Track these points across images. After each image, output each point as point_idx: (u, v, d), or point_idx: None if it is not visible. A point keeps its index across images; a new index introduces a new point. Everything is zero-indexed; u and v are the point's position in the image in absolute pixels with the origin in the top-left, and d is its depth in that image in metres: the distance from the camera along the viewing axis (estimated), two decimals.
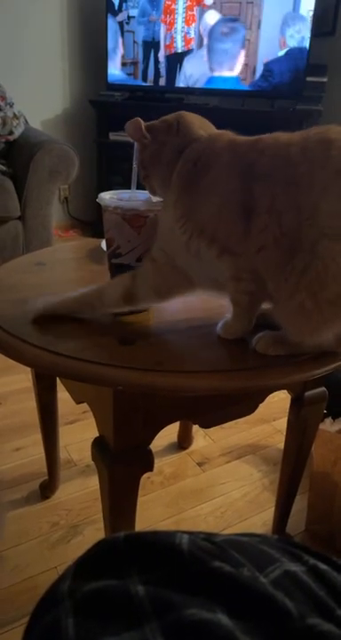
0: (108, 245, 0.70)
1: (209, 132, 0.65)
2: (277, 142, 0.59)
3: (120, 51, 2.87)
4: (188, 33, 2.72)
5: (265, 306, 0.65)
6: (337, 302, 0.55)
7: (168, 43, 2.77)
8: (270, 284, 0.60)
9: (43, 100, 2.94)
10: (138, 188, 0.71)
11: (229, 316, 0.66)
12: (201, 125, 0.66)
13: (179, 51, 2.76)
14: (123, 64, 2.89)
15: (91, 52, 3.02)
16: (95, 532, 1.08)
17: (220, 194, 0.60)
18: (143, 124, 0.66)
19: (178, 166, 0.63)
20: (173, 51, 2.78)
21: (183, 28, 2.71)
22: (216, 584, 0.35)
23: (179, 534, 0.38)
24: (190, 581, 0.35)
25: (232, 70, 2.71)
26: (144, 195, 0.71)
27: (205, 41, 2.69)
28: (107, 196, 0.69)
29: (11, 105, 2.25)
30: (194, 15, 2.67)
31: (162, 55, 2.81)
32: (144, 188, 0.71)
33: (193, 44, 2.73)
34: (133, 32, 2.82)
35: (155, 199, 0.69)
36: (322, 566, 0.40)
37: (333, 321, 0.57)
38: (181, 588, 0.34)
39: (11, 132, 2.18)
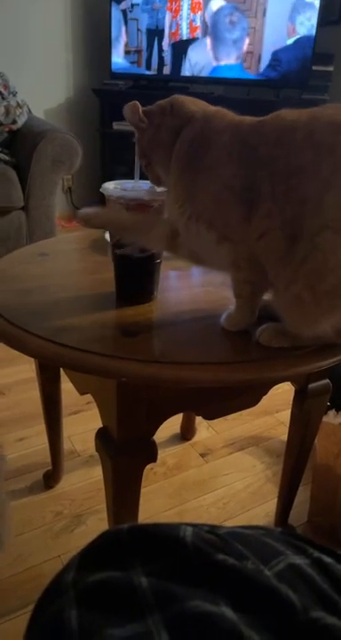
0: (112, 235, 0.69)
1: (203, 109, 0.65)
2: (282, 124, 0.56)
3: (123, 39, 2.84)
4: (194, 20, 2.68)
5: (268, 297, 0.65)
6: (334, 294, 0.55)
7: (173, 31, 2.74)
8: (270, 273, 0.59)
9: (46, 89, 2.92)
10: (141, 179, 0.71)
11: (232, 307, 0.66)
12: (194, 103, 0.66)
13: (184, 38, 2.73)
14: (127, 52, 2.86)
15: (95, 41, 2.99)
16: (98, 522, 1.09)
17: (219, 178, 0.59)
18: (140, 107, 0.66)
19: (175, 148, 0.63)
20: (178, 38, 2.75)
21: (189, 15, 2.68)
22: (219, 576, 0.35)
23: (183, 526, 0.38)
24: (193, 573, 0.35)
25: (236, 59, 2.68)
26: (147, 185, 0.70)
27: (209, 29, 2.66)
28: (110, 186, 0.68)
29: (15, 94, 2.23)
30: (200, 3, 2.64)
31: (166, 43, 2.78)
32: (147, 178, 0.70)
33: (198, 32, 2.69)
34: (137, 20, 2.79)
35: (159, 189, 0.69)
36: (326, 559, 0.40)
37: (330, 312, 0.57)
38: (184, 580, 0.34)
39: (14, 122, 2.17)
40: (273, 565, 0.37)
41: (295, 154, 0.54)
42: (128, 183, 0.71)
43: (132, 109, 0.66)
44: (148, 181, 0.70)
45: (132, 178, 0.72)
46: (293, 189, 0.54)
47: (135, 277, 0.72)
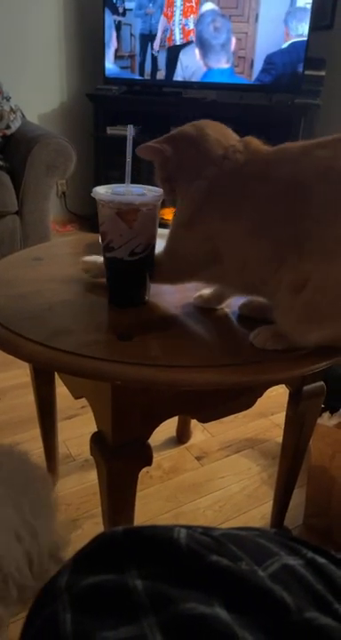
0: (102, 239, 0.70)
1: (230, 152, 0.63)
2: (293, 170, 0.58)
3: (116, 44, 2.85)
4: (186, 25, 2.70)
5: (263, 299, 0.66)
6: (332, 313, 0.57)
7: (167, 35, 2.75)
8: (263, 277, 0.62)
9: (40, 93, 2.92)
10: (132, 182, 0.71)
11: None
12: (220, 137, 0.65)
13: (178, 43, 2.75)
14: (121, 57, 2.87)
15: (89, 46, 3.01)
16: (94, 527, 1.08)
17: (248, 222, 0.61)
18: (153, 142, 0.67)
19: (196, 183, 0.64)
20: (172, 44, 2.76)
21: (181, 20, 2.70)
22: (214, 578, 0.35)
23: (177, 528, 0.38)
24: (188, 575, 0.35)
25: (225, 63, 2.70)
26: (138, 189, 0.70)
27: (196, 36, 2.68)
28: (101, 190, 0.68)
29: (8, 99, 2.23)
30: (192, 7, 2.66)
31: (157, 47, 2.78)
32: (137, 182, 0.71)
33: (192, 36, 2.71)
34: (130, 25, 2.80)
35: (150, 194, 0.69)
36: (320, 560, 0.40)
37: (328, 325, 0.59)
38: (179, 582, 0.34)
39: (7, 127, 2.17)
40: (267, 566, 0.37)
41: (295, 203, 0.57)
42: (119, 187, 0.71)
43: (146, 150, 0.66)
44: (140, 186, 0.71)
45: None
46: (291, 219, 0.57)
47: (126, 280, 0.72)
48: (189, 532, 0.38)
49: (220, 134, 0.66)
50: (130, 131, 0.71)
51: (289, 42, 2.56)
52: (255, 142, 0.64)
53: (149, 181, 0.71)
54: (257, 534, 0.42)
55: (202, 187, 0.64)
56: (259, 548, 0.39)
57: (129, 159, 0.70)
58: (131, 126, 0.72)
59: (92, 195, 0.68)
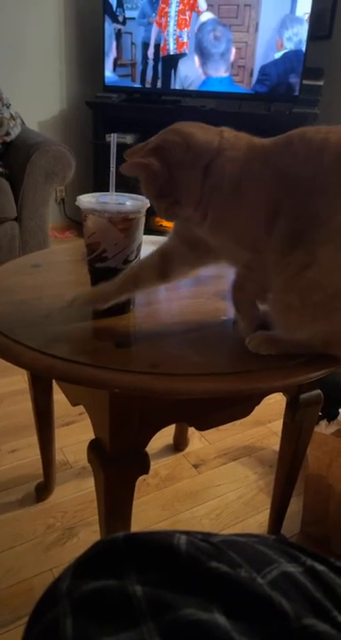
0: (91, 250, 0.69)
1: (219, 136, 0.62)
2: (310, 146, 0.57)
3: (116, 53, 2.87)
4: (181, 37, 2.72)
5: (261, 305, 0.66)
6: (322, 306, 0.57)
7: (162, 45, 2.78)
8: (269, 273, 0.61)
9: (39, 101, 2.94)
10: (116, 190, 0.72)
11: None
12: (202, 128, 0.64)
13: (172, 53, 2.77)
14: (121, 65, 2.90)
15: (88, 54, 3.03)
16: (91, 535, 1.08)
17: (252, 204, 0.60)
18: (138, 158, 0.62)
19: (208, 183, 0.61)
20: (166, 53, 2.78)
21: (175, 31, 2.72)
22: (213, 584, 0.35)
23: (177, 534, 0.38)
24: (187, 582, 0.35)
25: (224, 71, 2.72)
26: (124, 197, 0.71)
27: (195, 45, 2.71)
28: (85, 199, 0.68)
29: (8, 106, 2.24)
30: (186, 19, 2.68)
31: (151, 55, 2.81)
32: (122, 190, 0.70)
33: (185, 48, 2.73)
34: (131, 33, 2.82)
35: (138, 202, 0.69)
36: (319, 567, 0.40)
37: (315, 321, 0.58)
38: (178, 588, 0.34)
39: (7, 133, 2.18)
40: (266, 573, 0.37)
41: (321, 175, 0.55)
42: (104, 196, 0.71)
43: (131, 166, 0.62)
44: (125, 194, 0.71)
45: (122, 190, 0.72)
46: (308, 206, 0.56)
47: None
48: (189, 538, 0.38)
49: (199, 128, 0.63)
50: (113, 139, 0.70)
51: (282, 52, 2.59)
52: (232, 131, 0.63)
53: (135, 188, 0.69)
54: (256, 541, 0.42)
55: (225, 179, 0.60)
56: (258, 555, 0.39)
57: (113, 168, 0.70)
58: (115, 135, 0.72)
59: (77, 204, 0.68)
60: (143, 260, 0.71)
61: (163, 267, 0.69)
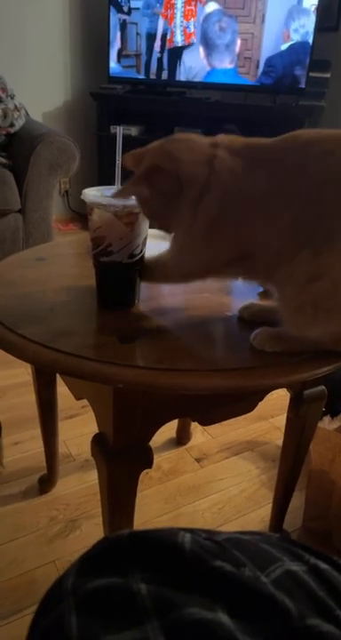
0: (96, 244, 0.68)
1: (215, 169, 0.60)
2: (310, 179, 0.57)
3: (121, 43, 2.85)
4: (188, 27, 2.70)
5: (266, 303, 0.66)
6: (332, 310, 0.57)
7: (169, 37, 2.75)
8: (275, 275, 0.61)
9: (44, 92, 2.92)
10: (122, 184, 0.71)
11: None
12: (195, 161, 0.61)
13: (179, 45, 2.75)
14: (126, 56, 2.87)
15: (93, 45, 3.00)
16: (93, 527, 1.08)
17: (224, 240, 0.62)
18: (129, 185, 0.62)
19: (198, 210, 0.61)
20: (172, 45, 2.76)
21: (182, 22, 2.70)
22: (217, 583, 0.35)
23: (182, 533, 0.38)
24: (192, 580, 0.35)
25: (229, 63, 2.69)
26: None
27: (200, 36, 2.68)
28: (90, 193, 0.68)
29: (13, 97, 2.23)
30: (192, 10, 2.65)
31: (157, 47, 2.78)
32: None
33: (193, 39, 2.71)
34: (136, 24, 2.80)
35: None
36: (323, 565, 0.40)
37: (327, 323, 0.59)
38: (183, 586, 0.34)
39: (11, 125, 2.17)
40: (270, 572, 0.37)
41: (323, 200, 0.56)
42: (109, 190, 0.70)
43: (123, 193, 0.63)
44: None
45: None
46: (314, 215, 0.56)
47: (123, 284, 0.72)
48: (193, 536, 0.38)
49: (191, 153, 0.62)
50: (119, 132, 0.70)
51: (289, 43, 2.56)
52: (228, 138, 0.62)
53: None
54: (260, 539, 0.42)
55: (210, 200, 0.60)
56: (262, 554, 0.39)
57: (118, 161, 0.69)
58: (121, 127, 0.72)
59: (82, 197, 0.67)
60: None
61: None
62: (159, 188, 0.62)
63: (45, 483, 1.18)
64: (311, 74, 2.57)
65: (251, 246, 0.61)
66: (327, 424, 1.08)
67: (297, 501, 1.11)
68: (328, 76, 2.64)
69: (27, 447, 1.30)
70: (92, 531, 1.08)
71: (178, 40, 2.74)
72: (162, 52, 2.79)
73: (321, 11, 2.47)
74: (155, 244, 0.70)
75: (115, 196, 0.64)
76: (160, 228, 0.68)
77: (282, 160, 0.59)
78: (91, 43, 3.01)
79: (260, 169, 0.59)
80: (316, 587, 0.37)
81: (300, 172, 0.57)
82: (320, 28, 2.50)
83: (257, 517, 1.15)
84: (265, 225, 0.59)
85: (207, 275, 0.68)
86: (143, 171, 0.63)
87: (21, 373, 1.58)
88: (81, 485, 1.20)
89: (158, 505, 1.16)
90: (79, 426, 1.39)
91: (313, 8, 2.46)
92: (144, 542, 0.38)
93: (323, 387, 0.89)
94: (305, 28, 2.51)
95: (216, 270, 0.67)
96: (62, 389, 0.94)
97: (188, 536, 0.38)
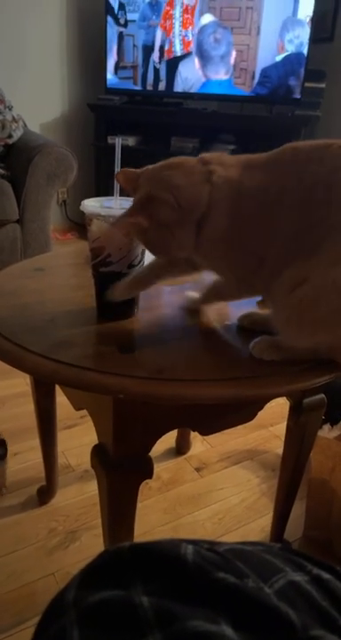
0: (95, 255, 0.69)
1: (214, 185, 0.61)
2: (305, 189, 0.57)
3: (118, 55, 2.87)
4: (186, 36, 2.73)
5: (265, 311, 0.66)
6: (318, 322, 0.57)
7: (167, 47, 2.78)
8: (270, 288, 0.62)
9: (42, 103, 2.94)
10: (120, 195, 0.71)
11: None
12: (193, 183, 0.61)
13: (178, 54, 2.77)
14: (123, 68, 2.90)
15: (90, 57, 3.03)
16: (93, 538, 1.08)
17: (245, 251, 0.62)
18: (126, 217, 0.62)
19: (202, 235, 0.62)
20: (172, 55, 2.79)
21: (181, 31, 2.72)
22: (220, 595, 0.35)
23: (184, 544, 0.38)
24: (194, 592, 0.35)
25: (224, 74, 2.72)
26: (128, 202, 0.70)
27: (196, 47, 2.71)
28: (90, 204, 0.68)
29: (11, 108, 2.25)
30: (189, 18, 2.68)
31: (156, 58, 2.81)
32: (126, 195, 0.70)
33: (191, 47, 2.74)
34: (133, 36, 2.82)
35: None
36: (325, 575, 0.40)
37: (313, 335, 0.59)
38: (185, 598, 0.34)
39: (9, 136, 2.18)
40: (272, 583, 0.37)
41: (315, 207, 0.56)
42: (108, 201, 0.71)
43: (120, 227, 0.63)
44: (128, 198, 0.71)
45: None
46: (304, 235, 0.57)
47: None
48: (196, 548, 0.38)
49: (187, 177, 0.62)
50: (117, 143, 0.70)
51: (283, 54, 2.59)
52: (215, 154, 0.63)
53: None
54: (262, 549, 0.42)
55: (219, 214, 0.61)
56: (265, 564, 0.39)
57: (117, 170, 0.70)
58: (120, 138, 0.72)
59: (81, 209, 0.68)
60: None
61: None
62: (157, 218, 0.61)
63: (45, 494, 1.17)
64: (306, 84, 2.59)
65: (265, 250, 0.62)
66: (327, 432, 1.08)
67: (298, 510, 1.10)
68: (323, 86, 2.66)
69: (26, 458, 1.30)
70: (92, 542, 1.07)
71: (177, 50, 2.76)
72: (160, 62, 2.82)
73: (317, 21, 2.50)
74: None
75: (113, 226, 0.63)
76: (156, 255, 0.67)
77: (276, 167, 0.60)
78: (88, 54, 3.04)
79: (256, 173, 0.60)
80: (319, 597, 0.37)
81: (293, 178, 0.58)
82: (315, 38, 2.52)
83: (257, 527, 1.14)
84: (265, 232, 0.60)
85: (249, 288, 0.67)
86: (139, 201, 0.62)
87: (20, 383, 1.58)
88: (80, 496, 1.19)
89: (158, 515, 1.16)
90: (78, 436, 1.38)
91: (308, 19, 2.49)
92: (145, 554, 0.37)
93: (323, 395, 0.89)
94: (299, 38, 2.54)
95: (250, 281, 0.65)
96: (60, 399, 0.94)
97: (190, 547, 0.38)
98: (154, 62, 2.82)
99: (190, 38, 2.72)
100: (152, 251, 0.66)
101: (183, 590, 0.35)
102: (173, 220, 0.61)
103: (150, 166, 0.65)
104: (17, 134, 2.21)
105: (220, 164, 0.62)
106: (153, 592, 0.34)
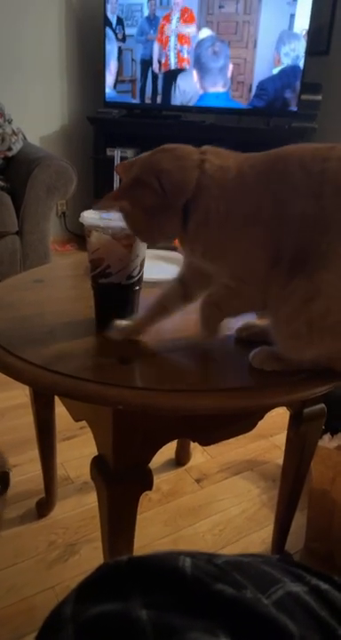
0: (95, 266, 0.69)
1: (206, 172, 0.60)
2: (310, 178, 0.56)
3: (118, 68, 2.90)
4: (181, 51, 2.76)
5: (264, 322, 0.66)
6: (327, 331, 0.57)
7: (163, 60, 2.81)
8: (270, 304, 0.61)
9: (41, 116, 2.97)
10: None
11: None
12: (182, 168, 0.60)
13: (172, 68, 2.80)
14: (122, 81, 2.93)
15: (89, 70, 3.06)
16: (92, 551, 1.07)
17: (249, 237, 0.60)
18: (108, 198, 0.62)
19: (192, 220, 0.61)
20: (167, 69, 2.82)
21: (176, 45, 2.76)
22: (219, 607, 0.34)
23: (182, 557, 0.38)
24: (193, 605, 0.35)
25: (222, 87, 2.75)
26: None
27: (194, 60, 2.74)
28: (89, 215, 0.69)
29: (10, 121, 2.27)
30: (185, 36, 2.72)
31: (159, 73, 2.84)
32: None
33: (185, 64, 2.77)
34: (131, 50, 2.86)
35: None
36: (324, 586, 0.40)
37: (320, 344, 0.59)
38: (184, 611, 0.34)
39: (9, 149, 2.20)
40: (271, 594, 0.37)
41: (322, 209, 0.55)
42: (107, 213, 0.71)
43: (104, 205, 0.62)
44: None
45: None
46: (309, 239, 0.56)
47: (120, 305, 0.72)
48: (194, 560, 0.38)
49: (178, 161, 0.61)
50: (116, 155, 0.71)
51: (280, 67, 2.62)
52: (216, 155, 0.62)
53: None
54: (260, 561, 0.42)
55: (211, 217, 0.60)
56: (263, 575, 0.39)
57: (116, 184, 0.70)
58: (118, 150, 0.73)
59: (81, 220, 0.68)
60: (166, 290, 0.71)
61: (185, 292, 0.70)
62: (141, 202, 0.61)
63: (44, 506, 1.16)
64: (303, 96, 2.62)
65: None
66: (327, 442, 1.07)
67: (300, 521, 1.10)
68: (319, 98, 2.70)
69: (26, 470, 1.29)
70: (92, 555, 1.06)
71: (172, 63, 2.80)
72: (155, 76, 2.85)
73: (312, 35, 2.53)
74: (155, 265, 0.71)
75: (95, 208, 0.63)
76: (143, 240, 0.67)
77: (280, 160, 0.59)
78: (88, 68, 3.07)
79: (258, 164, 0.59)
80: (317, 607, 0.37)
81: (300, 174, 0.57)
82: (311, 51, 2.56)
83: (258, 539, 1.14)
84: (264, 227, 0.59)
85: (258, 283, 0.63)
86: (125, 184, 0.62)
87: (19, 395, 1.57)
88: (79, 508, 1.18)
89: (158, 527, 1.15)
90: (77, 447, 1.38)
91: (304, 33, 2.52)
92: (143, 567, 0.37)
93: (323, 405, 0.89)
94: (295, 52, 2.57)
95: (261, 276, 0.61)
96: (59, 410, 0.93)
97: (189, 560, 0.38)
98: (156, 74, 2.85)
99: (185, 56, 2.75)
100: (138, 235, 0.66)
101: (182, 603, 0.34)
102: (157, 204, 0.61)
103: (147, 152, 0.65)
104: (17, 147, 2.22)
105: (216, 155, 0.61)
106: (151, 605, 0.34)
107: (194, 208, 0.60)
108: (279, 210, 0.57)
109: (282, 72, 2.62)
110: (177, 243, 0.68)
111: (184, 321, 0.78)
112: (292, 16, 2.53)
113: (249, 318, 0.74)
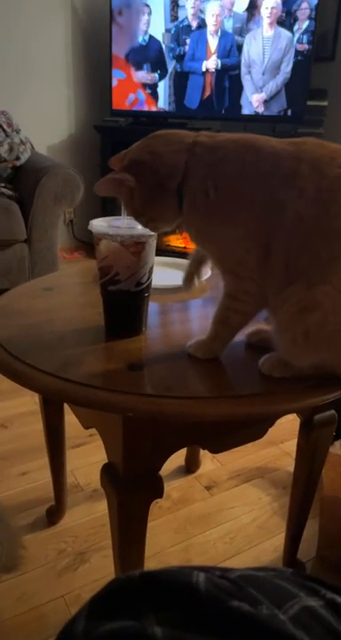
0: (104, 273, 0.69)
1: (196, 155, 0.60)
2: (321, 184, 0.55)
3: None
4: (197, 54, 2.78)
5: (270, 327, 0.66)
6: (330, 338, 0.57)
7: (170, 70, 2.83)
8: (270, 308, 0.62)
9: (49, 126, 3.00)
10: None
11: (203, 336, 0.67)
12: (174, 150, 0.61)
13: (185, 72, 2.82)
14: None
15: (96, 79, 3.09)
16: (102, 559, 1.06)
17: (242, 227, 0.59)
18: (112, 174, 0.63)
19: (186, 202, 0.61)
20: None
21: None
22: (234, 624, 0.34)
23: (196, 572, 0.37)
24: (208, 621, 0.34)
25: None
26: (136, 221, 0.71)
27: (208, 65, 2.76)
28: (98, 223, 0.69)
29: (18, 131, 2.29)
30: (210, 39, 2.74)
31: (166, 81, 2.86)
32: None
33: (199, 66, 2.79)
34: None
35: None
36: (339, 599, 0.39)
37: (315, 353, 0.59)
38: (199, 628, 0.33)
39: (17, 158, 2.22)
40: (287, 609, 0.36)
41: (327, 217, 0.55)
42: (116, 220, 0.72)
43: (106, 182, 0.63)
44: None
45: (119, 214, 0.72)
46: (309, 245, 0.56)
47: (130, 311, 0.72)
48: (208, 575, 0.37)
49: (169, 145, 0.62)
50: None
51: (287, 73, 2.62)
52: (210, 137, 0.62)
53: None
54: (274, 575, 0.41)
55: (198, 200, 0.60)
56: (278, 590, 0.38)
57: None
58: None
59: (90, 228, 0.69)
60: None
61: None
62: (142, 180, 0.62)
63: (53, 514, 1.16)
64: (309, 102, 2.62)
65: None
66: (338, 449, 1.06)
67: (312, 529, 1.08)
68: (325, 104, 2.69)
69: (35, 477, 1.29)
70: (102, 563, 1.05)
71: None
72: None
73: (318, 41, 2.54)
74: (163, 272, 0.71)
75: (97, 187, 0.63)
76: (144, 225, 0.67)
77: (294, 149, 0.60)
78: (94, 77, 3.10)
79: (248, 153, 0.59)
80: (334, 621, 0.36)
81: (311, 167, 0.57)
82: (316, 57, 2.56)
83: (270, 547, 1.12)
84: (265, 213, 0.58)
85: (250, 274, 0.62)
86: (124, 167, 0.63)
87: (28, 402, 1.58)
88: (89, 516, 1.18)
89: (168, 535, 1.14)
90: (87, 455, 1.37)
91: (310, 39, 2.52)
92: (156, 583, 0.36)
93: (334, 411, 0.89)
94: (301, 57, 2.57)
95: (252, 267, 0.60)
96: (69, 418, 0.93)
97: (202, 575, 0.37)
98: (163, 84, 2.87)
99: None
100: (138, 219, 0.66)
101: (196, 619, 0.34)
102: (156, 184, 0.62)
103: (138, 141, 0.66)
104: (25, 156, 2.25)
105: (210, 136, 0.62)
106: (165, 622, 0.33)
107: (186, 191, 0.61)
108: (276, 206, 0.57)
109: (290, 78, 2.62)
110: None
111: (192, 327, 0.78)
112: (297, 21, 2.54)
113: (257, 324, 0.74)
